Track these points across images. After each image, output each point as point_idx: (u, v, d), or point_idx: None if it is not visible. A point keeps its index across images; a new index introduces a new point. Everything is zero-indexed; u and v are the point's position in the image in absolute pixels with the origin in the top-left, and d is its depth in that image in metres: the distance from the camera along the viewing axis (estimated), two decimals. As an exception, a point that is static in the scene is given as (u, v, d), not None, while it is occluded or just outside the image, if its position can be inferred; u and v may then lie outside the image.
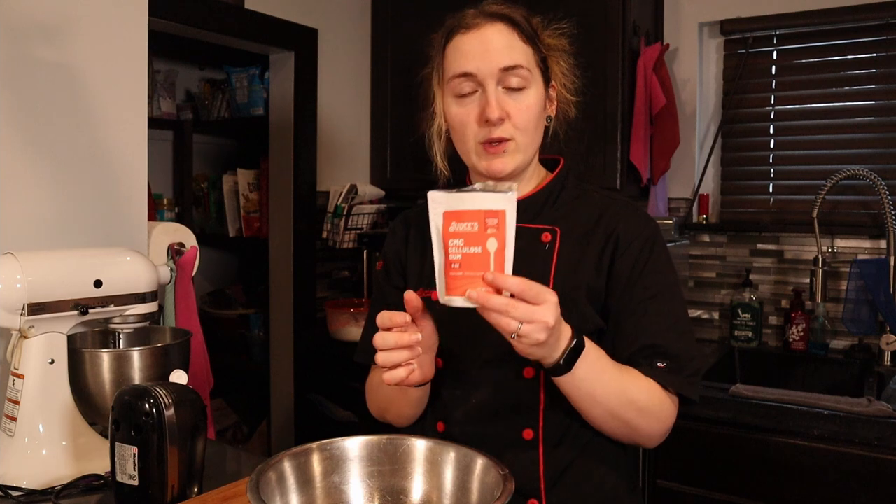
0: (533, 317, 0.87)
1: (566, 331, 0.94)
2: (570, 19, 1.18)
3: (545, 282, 1.07)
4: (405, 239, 1.24)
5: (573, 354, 0.94)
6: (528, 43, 1.08)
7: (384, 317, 0.96)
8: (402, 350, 0.95)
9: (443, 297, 0.90)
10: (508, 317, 0.87)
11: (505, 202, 0.87)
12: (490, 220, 0.87)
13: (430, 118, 1.18)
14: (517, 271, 0.90)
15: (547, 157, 1.20)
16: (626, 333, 1.07)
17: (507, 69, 1.05)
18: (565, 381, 0.97)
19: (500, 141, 1.07)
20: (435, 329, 1.04)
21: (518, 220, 1.13)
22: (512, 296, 0.87)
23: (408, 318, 0.96)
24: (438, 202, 0.91)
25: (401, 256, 1.23)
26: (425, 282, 1.16)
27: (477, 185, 0.92)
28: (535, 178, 1.17)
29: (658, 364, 1.05)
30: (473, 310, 0.89)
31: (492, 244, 0.88)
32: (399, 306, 1.07)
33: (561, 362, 0.94)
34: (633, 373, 1.04)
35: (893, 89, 2.25)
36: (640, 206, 1.18)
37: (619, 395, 1.01)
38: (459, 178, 1.21)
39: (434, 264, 1.17)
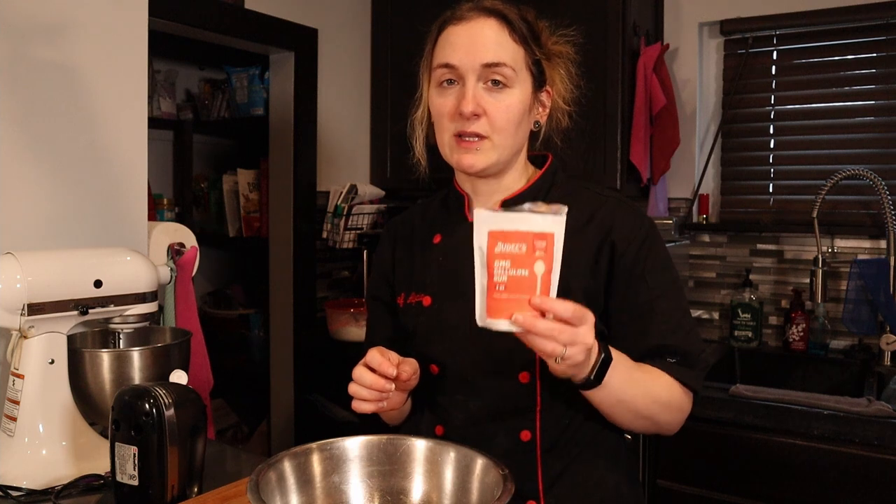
0: (576, 339, 0.86)
1: (594, 345, 0.93)
2: (572, 22, 1.17)
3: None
4: (392, 248, 1.24)
5: (603, 368, 0.94)
6: (519, 42, 1.07)
7: (375, 359, 0.98)
8: (373, 391, 0.98)
9: (483, 319, 0.86)
10: (555, 342, 0.85)
11: (554, 225, 0.84)
12: (539, 242, 0.84)
13: (415, 104, 1.18)
14: None
15: (535, 153, 1.19)
16: (633, 336, 1.07)
17: (490, 65, 1.04)
18: (594, 394, 0.97)
19: (476, 136, 1.06)
20: (419, 375, 1.06)
21: None
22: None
23: (394, 372, 0.98)
24: (484, 221, 0.85)
25: (387, 266, 1.24)
26: (416, 286, 1.16)
27: (526, 206, 0.86)
28: (524, 176, 1.16)
29: (668, 360, 1.06)
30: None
31: (539, 267, 0.84)
32: (383, 317, 1.12)
33: (592, 377, 0.94)
34: (653, 371, 1.05)
35: (893, 89, 2.25)
36: (632, 202, 1.16)
37: (644, 395, 1.02)
38: (437, 167, 1.19)
39: (414, 267, 1.18)
